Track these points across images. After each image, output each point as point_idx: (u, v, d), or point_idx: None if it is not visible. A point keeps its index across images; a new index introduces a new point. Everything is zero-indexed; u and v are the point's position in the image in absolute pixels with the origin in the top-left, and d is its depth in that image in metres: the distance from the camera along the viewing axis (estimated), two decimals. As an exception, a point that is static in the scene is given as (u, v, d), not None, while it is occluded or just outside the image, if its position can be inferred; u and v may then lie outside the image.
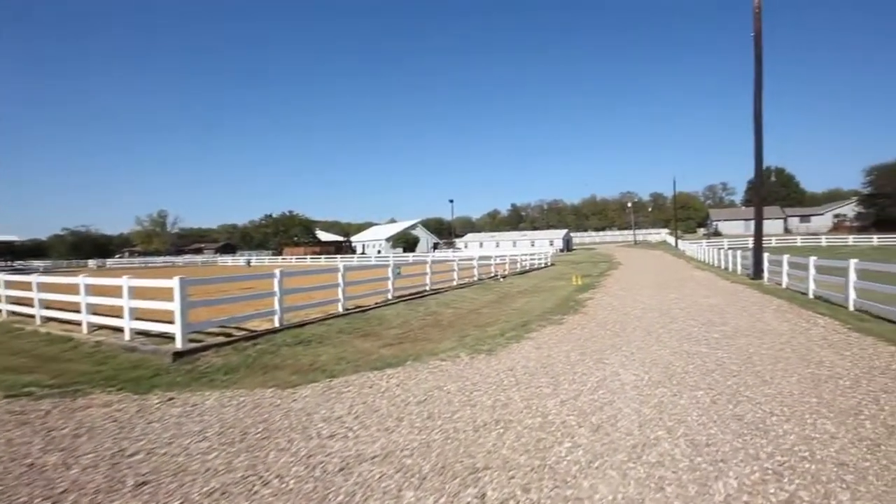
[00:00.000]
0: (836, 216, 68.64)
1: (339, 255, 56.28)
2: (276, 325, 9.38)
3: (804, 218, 73.54)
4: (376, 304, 12.93)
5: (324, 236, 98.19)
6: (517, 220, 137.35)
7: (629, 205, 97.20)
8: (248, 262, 53.48)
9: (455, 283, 18.83)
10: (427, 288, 16.59)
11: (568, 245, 77.91)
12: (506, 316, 11.43)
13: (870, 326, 7.41)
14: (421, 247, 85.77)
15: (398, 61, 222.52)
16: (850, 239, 48.78)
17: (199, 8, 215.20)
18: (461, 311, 12.84)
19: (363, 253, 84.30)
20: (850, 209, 66.63)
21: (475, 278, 20.87)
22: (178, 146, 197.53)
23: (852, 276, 9.35)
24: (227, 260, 65.76)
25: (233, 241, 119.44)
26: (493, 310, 13.04)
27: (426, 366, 5.99)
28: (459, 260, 21.98)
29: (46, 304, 10.57)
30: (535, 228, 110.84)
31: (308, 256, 59.26)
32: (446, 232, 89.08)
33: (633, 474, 2.80)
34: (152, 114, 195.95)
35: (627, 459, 2.98)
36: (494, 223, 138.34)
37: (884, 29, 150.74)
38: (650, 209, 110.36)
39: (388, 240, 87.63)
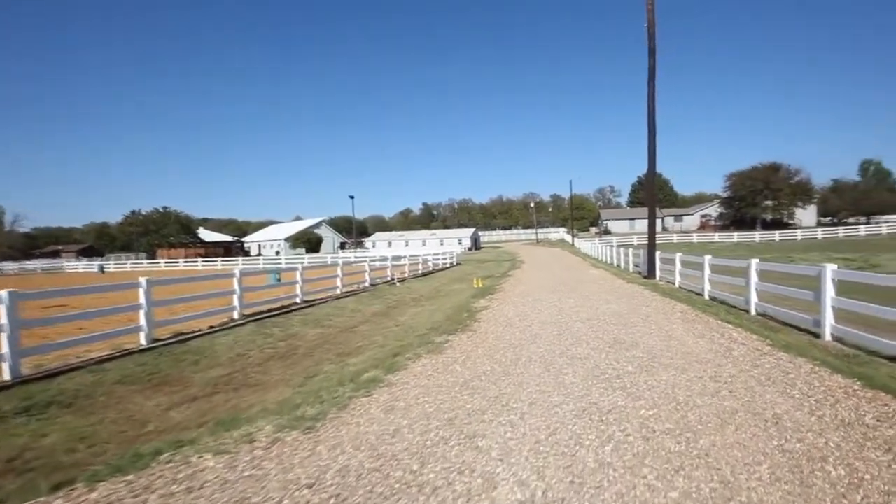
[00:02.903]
0: (703, 216, 78.16)
1: (219, 259, 49.22)
2: (7, 377, 6.00)
3: (678, 217, 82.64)
4: (211, 327, 9.66)
5: (210, 236, 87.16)
6: (429, 218, 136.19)
7: (532, 205, 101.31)
8: (102, 269, 44.18)
9: (339, 291, 15.99)
10: (298, 300, 13.54)
11: (476, 244, 78.37)
12: (382, 337, 9.03)
13: (788, 339, 6.35)
14: (326, 246, 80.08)
15: (308, 54, 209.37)
16: (716, 236, 55.32)
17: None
18: (331, 331, 10.15)
19: (259, 254, 76.24)
20: (713, 210, 76.25)
21: (366, 283, 18.16)
22: (42, 135, 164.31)
23: (754, 279, 8.54)
24: (79, 266, 54.02)
25: (98, 242, 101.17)
26: (372, 327, 10.56)
27: (180, 469, 3.30)
28: (345, 263, 19.08)
29: None
30: (446, 227, 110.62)
31: (181, 260, 50.96)
32: (357, 231, 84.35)
33: None
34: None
35: None
36: (407, 222, 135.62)
37: (748, 43, 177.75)
38: (550, 209, 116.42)
39: (287, 240, 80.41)
